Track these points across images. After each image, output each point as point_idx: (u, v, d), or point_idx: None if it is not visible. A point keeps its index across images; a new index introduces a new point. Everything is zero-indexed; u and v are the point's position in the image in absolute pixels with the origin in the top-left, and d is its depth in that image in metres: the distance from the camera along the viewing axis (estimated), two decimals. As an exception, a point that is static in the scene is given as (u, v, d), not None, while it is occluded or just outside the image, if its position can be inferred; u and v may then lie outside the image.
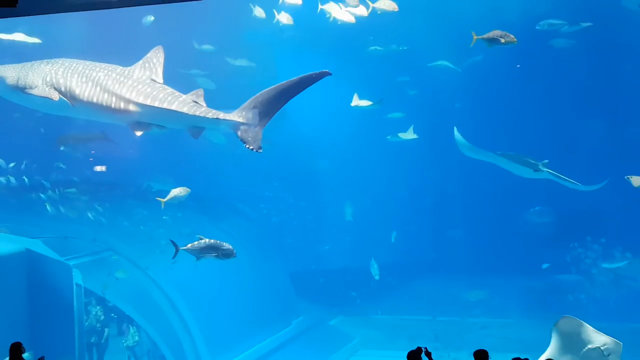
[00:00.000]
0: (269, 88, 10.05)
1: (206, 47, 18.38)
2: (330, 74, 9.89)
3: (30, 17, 8.60)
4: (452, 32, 16.79)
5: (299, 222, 20.55)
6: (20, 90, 10.49)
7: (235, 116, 9.98)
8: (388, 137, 17.27)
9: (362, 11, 13.88)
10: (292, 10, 14.96)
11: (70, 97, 10.32)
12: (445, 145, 16.97)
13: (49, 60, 10.71)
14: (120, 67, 10.56)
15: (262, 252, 18.32)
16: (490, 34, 12.11)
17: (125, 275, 14.46)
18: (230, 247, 11.18)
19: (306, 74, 9.92)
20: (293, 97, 10.06)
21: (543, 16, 16.85)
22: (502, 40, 11.99)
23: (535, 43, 17.11)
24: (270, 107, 9.99)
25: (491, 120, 18.31)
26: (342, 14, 14.04)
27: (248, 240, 18.20)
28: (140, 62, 10.62)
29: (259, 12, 15.84)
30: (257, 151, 10.06)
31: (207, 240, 11.05)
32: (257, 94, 10.05)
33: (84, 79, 10.27)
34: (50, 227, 15.88)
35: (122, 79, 10.34)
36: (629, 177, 13.45)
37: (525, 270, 18.03)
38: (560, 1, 17.28)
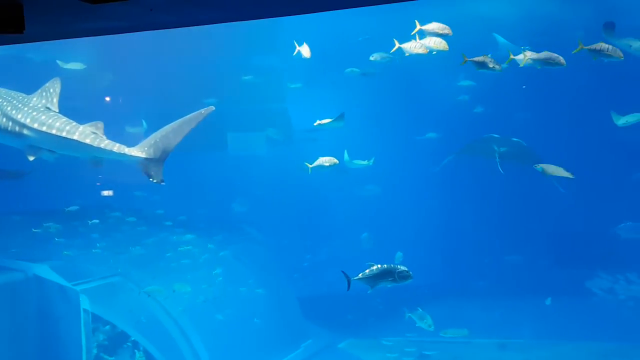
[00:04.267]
0: (168, 125, 10.69)
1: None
2: (214, 109, 10.56)
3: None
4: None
5: (307, 246, 20.40)
6: None
7: (138, 151, 10.52)
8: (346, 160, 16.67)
9: (442, 46, 12.78)
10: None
11: None
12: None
13: None
14: (22, 95, 11.30)
15: (270, 277, 18.18)
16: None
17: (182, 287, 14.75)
18: (406, 268, 10.42)
19: (195, 112, 10.61)
20: (187, 133, 10.70)
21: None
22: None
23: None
24: (169, 143, 10.63)
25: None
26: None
27: (256, 264, 18.08)
28: (39, 90, 11.26)
29: (305, 50, 14.51)
30: (160, 183, 10.58)
31: (378, 265, 10.33)
32: (158, 131, 10.69)
33: None
34: (56, 253, 15.79)
35: (19, 105, 11.05)
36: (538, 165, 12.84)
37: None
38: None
